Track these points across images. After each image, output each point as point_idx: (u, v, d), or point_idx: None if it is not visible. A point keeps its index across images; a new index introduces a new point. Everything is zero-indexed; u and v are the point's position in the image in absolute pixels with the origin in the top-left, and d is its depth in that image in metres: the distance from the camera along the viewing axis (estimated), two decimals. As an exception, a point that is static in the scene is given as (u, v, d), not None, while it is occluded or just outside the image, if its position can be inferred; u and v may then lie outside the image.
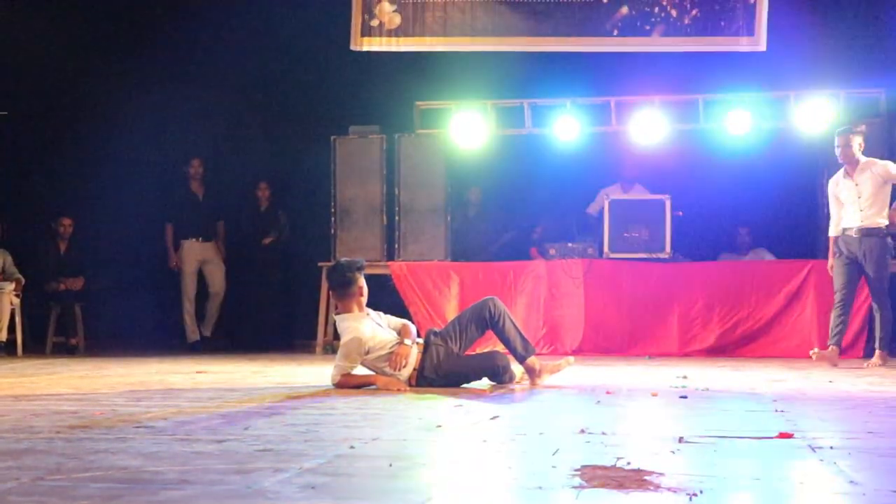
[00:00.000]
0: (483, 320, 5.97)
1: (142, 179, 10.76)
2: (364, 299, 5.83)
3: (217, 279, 10.47)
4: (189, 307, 10.37)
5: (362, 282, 5.82)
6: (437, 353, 5.79)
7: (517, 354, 5.94)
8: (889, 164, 7.71)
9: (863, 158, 7.77)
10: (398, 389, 5.51)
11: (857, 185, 7.74)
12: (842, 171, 7.84)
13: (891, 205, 7.74)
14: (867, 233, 7.70)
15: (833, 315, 7.81)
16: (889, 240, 7.78)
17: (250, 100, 11.11)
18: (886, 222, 7.70)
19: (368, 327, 5.71)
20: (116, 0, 10.93)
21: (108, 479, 2.75)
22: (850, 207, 7.78)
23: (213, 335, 10.51)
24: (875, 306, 7.85)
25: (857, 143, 7.72)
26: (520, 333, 5.99)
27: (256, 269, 10.66)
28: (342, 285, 5.77)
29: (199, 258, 10.38)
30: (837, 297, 7.82)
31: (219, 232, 10.53)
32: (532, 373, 5.93)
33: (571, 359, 6.25)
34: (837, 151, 7.76)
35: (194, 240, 10.36)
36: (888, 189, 7.72)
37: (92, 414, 4.36)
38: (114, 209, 10.62)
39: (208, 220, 10.45)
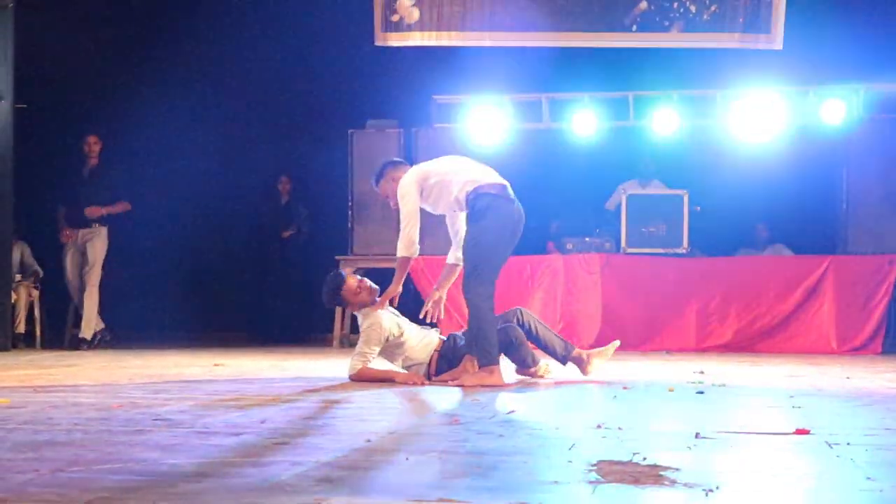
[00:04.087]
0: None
1: (159, 174, 10.80)
2: (369, 294, 5.84)
3: (90, 271, 9.34)
4: (75, 297, 9.43)
5: (354, 287, 5.82)
6: (454, 344, 5.82)
7: (558, 357, 5.95)
8: (400, 184, 5.74)
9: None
10: (414, 383, 5.52)
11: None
12: None
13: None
14: None
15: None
16: None
17: (269, 94, 11.13)
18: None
19: (387, 318, 5.74)
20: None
21: (126, 472, 2.77)
22: None
23: (93, 338, 9.37)
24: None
25: (393, 177, 5.86)
26: (556, 336, 6.02)
27: (275, 262, 10.70)
28: (337, 306, 5.83)
29: (81, 246, 9.39)
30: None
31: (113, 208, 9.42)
32: (580, 362, 5.90)
33: (615, 343, 6.13)
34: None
35: (78, 228, 9.38)
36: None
37: (110, 406, 4.39)
38: (132, 203, 10.66)
39: (94, 205, 9.37)
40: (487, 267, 5.55)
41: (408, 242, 5.65)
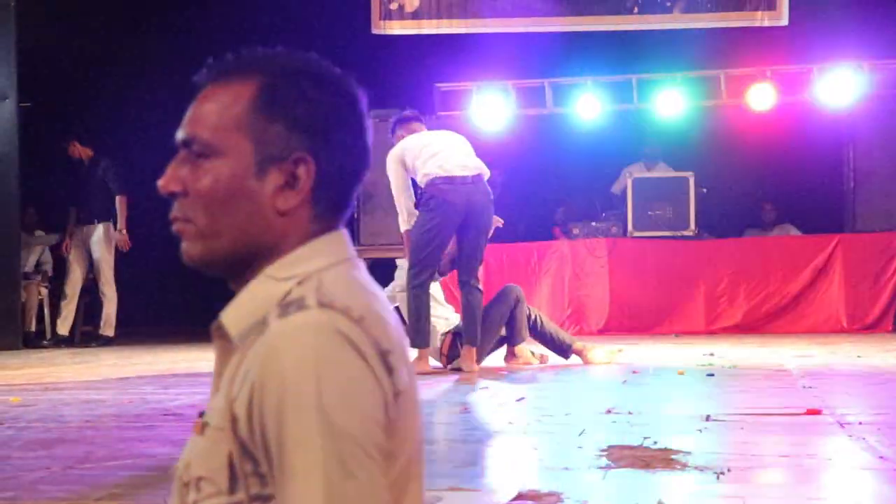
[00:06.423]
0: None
1: (164, 167, 10.79)
2: None
3: (101, 271, 9.08)
4: (68, 295, 9.18)
5: None
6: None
7: (563, 349, 6.07)
8: (387, 159, 6.02)
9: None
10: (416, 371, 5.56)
11: None
12: None
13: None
14: None
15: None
16: None
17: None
18: None
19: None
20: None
21: (137, 467, 2.77)
22: None
23: (71, 333, 9.34)
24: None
25: (398, 136, 6.16)
26: (560, 330, 6.24)
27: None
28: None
29: (86, 245, 9.15)
30: None
31: (118, 212, 9.03)
32: (582, 353, 5.99)
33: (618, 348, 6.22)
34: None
35: (82, 226, 9.15)
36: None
37: (121, 402, 4.39)
38: (142, 200, 10.65)
39: (96, 202, 9.11)
40: (424, 254, 5.67)
41: (406, 216, 5.79)
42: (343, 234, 1.20)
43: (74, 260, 9.27)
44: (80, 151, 9.30)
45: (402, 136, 5.99)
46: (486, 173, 5.92)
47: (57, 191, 9.69)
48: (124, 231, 9.05)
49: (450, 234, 5.75)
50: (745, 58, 9.41)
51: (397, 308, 6.26)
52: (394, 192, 5.88)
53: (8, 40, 8.92)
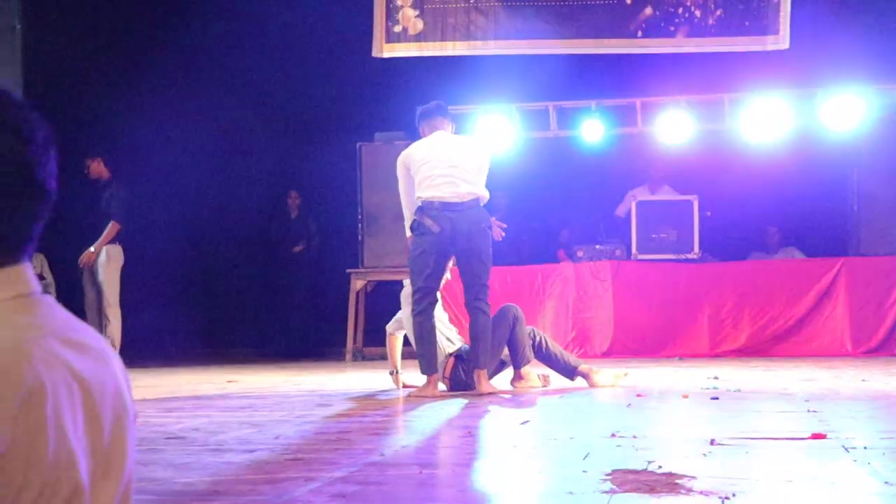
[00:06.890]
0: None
1: (168, 191, 10.82)
2: None
3: (103, 294, 8.96)
4: (88, 317, 9.00)
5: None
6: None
7: (568, 371, 6.05)
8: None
9: None
10: (426, 396, 5.56)
11: None
12: None
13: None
14: None
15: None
16: None
17: (276, 109, 11.16)
18: None
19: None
20: (144, 16, 11.01)
21: (139, 491, 2.76)
22: None
23: None
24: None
25: (421, 131, 6.15)
26: (564, 352, 6.22)
27: (287, 277, 10.71)
28: None
29: (92, 266, 8.99)
30: None
31: (104, 234, 8.88)
32: (587, 376, 6.00)
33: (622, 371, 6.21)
34: None
35: (90, 247, 8.95)
36: None
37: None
38: (142, 219, 10.68)
39: (102, 224, 8.93)
40: (416, 280, 5.69)
41: (410, 221, 5.83)
42: (10, 272, 1.18)
43: (86, 282, 9.21)
44: (102, 171, 9.25)
45: (425, 132, 5.99)
46: (484, 197, 5.86)
47: (61, 212, 9.69)
48: (93, 250, 8.88)
49: (443, 259, 5.74)
50: (749, 81, 9.43)
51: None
52: (401, 196, 5.94)
53: (14, 62, 8.97)
